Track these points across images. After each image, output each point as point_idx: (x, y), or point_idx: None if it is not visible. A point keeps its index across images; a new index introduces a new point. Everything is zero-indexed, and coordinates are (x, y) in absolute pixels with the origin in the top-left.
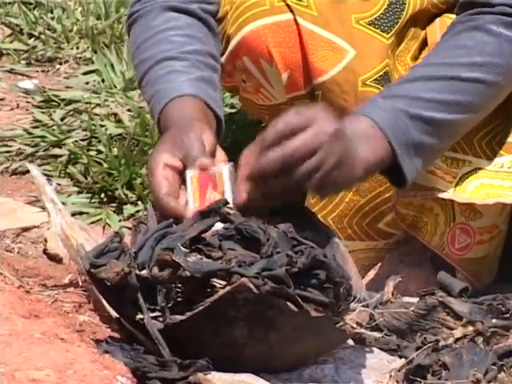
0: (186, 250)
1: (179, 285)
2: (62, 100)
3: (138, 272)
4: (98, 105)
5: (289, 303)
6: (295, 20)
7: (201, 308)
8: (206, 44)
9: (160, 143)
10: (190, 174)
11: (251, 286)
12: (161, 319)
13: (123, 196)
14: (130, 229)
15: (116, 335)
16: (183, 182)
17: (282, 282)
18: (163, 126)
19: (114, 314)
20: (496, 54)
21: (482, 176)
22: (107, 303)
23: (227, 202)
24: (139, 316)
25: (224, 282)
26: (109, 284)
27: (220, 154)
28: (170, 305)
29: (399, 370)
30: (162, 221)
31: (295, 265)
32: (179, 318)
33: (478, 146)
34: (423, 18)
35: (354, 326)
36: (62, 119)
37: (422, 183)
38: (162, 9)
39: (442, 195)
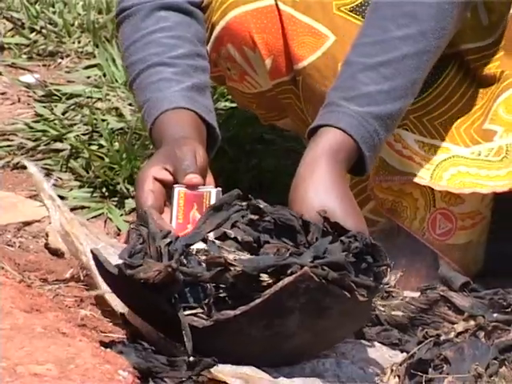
0: (218, 243)
1: (223, 281)
2: (64, 94)
3: (183, 269)
4: (99, 99)
5: (343, 290)
6: (277, 5)
7: (258, 301)
8: (196, 44)
9: (152, 157)
10: (178, 190)
11: (313, 275)
12: (204, 316)
13: (125, 190)
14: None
15: (118, 329)
16: (170, 195)
17: (342, 268)
18: (155, 139)
19: (118, 309)
20: (440, 19)
21: (459, 164)
22: (133, 304)
23: (239, 195)
24: (184, 312)
25: (267, 276)
26: (148, 283)
27: (209, 178)
28: (207, 301)
29: (400, 365)
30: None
31: (351, 250)
32: (232, 313)
33: (456, 133)
34: None
35: (380, 307)
36: (63, 113)
37: (400, 168)
38: (150, 8)
39: (419, 181)
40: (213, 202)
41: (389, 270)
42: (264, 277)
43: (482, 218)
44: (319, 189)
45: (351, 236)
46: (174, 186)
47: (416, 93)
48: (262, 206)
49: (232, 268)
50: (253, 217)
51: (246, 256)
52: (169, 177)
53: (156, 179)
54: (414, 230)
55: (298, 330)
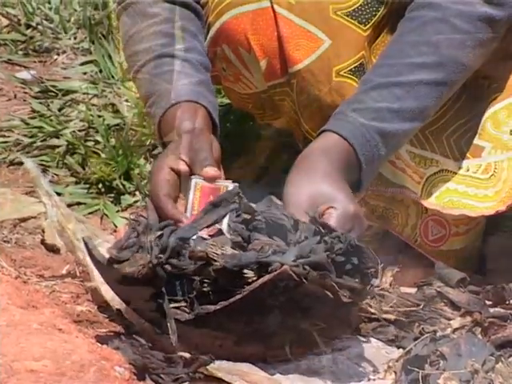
0: (207, 238)
1: (206, 275)
2: (60, 90)
3: (172, 261)
4: (95, 95)
5: (326, 290)
6: (273, 8)
7: (238, 297)
8: (200, 40)
9: (168, 147)
10: (195, 181)
11: (292, 273)
12: (187, 310)
13: (121, 186)
14: (127, 219)
15: (114, 325)
16: (184, 186)
17: (323, 268)
18: (165, 130)
19: (115, 305)
20: (459, 53)
21: (448, 179)
22: (121, 297)
23: (239, 193)
24: (169, 305)
25: (252, 273)
26: (133, 277)
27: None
28: (193, 295)
29: (397, 361)
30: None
31: (334, 251)
32: (212, 307)
33: (446, 144)
34: (403, 13)
35: (372, 310)
36: (59, 110)
37: (392, 179)
38: None
39: (409, 196)
40: (228, 191)
41: (378, 271)
42: (249, 273)
43: (476, 223)
44: (310, 176)
45: (335, 237)
46: (192, 176)
47: (425, 120)
48: (254, 206)
49: (214, 263)
50: (246, 216)
51: (231, 252)
52: (185, 167)
53: (172, 169)
54: (406, 237)
55: (279, 329)
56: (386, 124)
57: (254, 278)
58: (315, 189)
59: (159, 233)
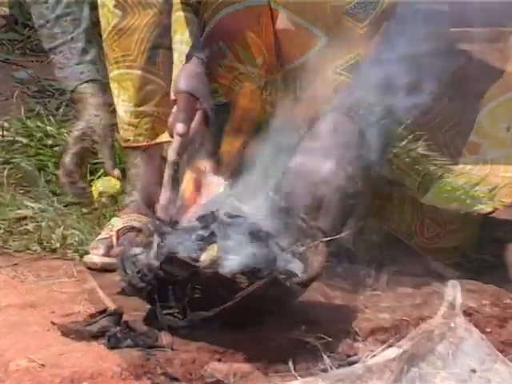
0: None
1: (197, 282)
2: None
3: (165, 267)
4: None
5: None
6: (269, 5)
7: (229, 303)
8: (198, 35)
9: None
10: (188, 173)
11: (283, 280)
12: (180, 316)
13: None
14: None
15: (112, 326)
16: (171, 175)
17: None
18: (161, 125)
19: (112, 306)
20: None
21: (445, 176)
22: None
23: (229, 195)
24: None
25: (245, 279)
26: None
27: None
28: (185, 301)
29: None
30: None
31: (325, 257)
32: (205, 314)
33: (443, 141)
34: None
35: (368, 310)
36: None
37: (389, 177)
38: None
39: (406, 193)
40: (220, 192)
41: (371, 275)
42: (242, 278)
43: (472, 220)
44: (313, 160)
45: (328, 241)
46: (186, 168)
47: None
48: (244, 209)
49: (203, 270)
50: (235, 221)
51: (222, 257)
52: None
53: (170, 162)
54: (401, 234)
55: (274, 334)
56: (386, 98)
57: (247, 284)
58: (316, 178)
59: (150, 240)
